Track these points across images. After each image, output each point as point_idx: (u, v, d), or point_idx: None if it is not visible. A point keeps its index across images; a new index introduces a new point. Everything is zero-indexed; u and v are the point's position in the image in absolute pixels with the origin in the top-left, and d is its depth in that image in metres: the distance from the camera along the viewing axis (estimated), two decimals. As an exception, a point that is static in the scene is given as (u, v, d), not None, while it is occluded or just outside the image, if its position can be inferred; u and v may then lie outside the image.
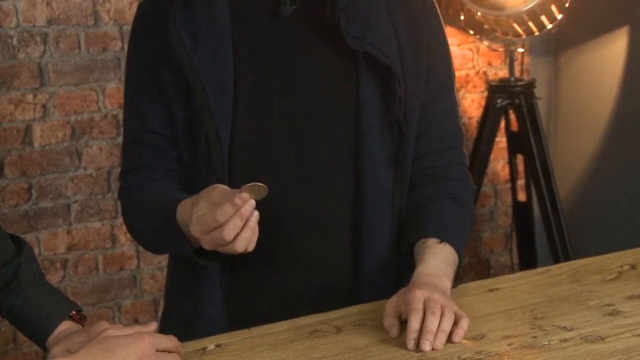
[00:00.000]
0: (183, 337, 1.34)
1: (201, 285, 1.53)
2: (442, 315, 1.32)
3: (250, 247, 1.34)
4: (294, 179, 1.49)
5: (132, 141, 1.57)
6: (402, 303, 1.35)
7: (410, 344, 1.30)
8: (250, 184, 1.32)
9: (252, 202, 1.31)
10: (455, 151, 1.59)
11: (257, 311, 1.51)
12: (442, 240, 1.48)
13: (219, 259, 1.45)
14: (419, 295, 1.34)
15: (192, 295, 1.54)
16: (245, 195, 1.31)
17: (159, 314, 3.13)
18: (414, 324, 1.30)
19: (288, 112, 1.49)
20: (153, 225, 1.51)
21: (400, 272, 1.54)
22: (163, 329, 1.55)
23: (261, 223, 1.34)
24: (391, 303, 1.38)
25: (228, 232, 1.31)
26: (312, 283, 1.53)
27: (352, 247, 1.52)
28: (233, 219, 1.30)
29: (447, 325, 1.31)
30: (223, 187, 1.35)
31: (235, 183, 1.44)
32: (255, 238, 1.34)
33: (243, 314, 1.52)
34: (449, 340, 1.31)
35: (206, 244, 1.35)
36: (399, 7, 1.51)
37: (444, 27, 1.57)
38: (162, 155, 1.54)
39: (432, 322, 1.30)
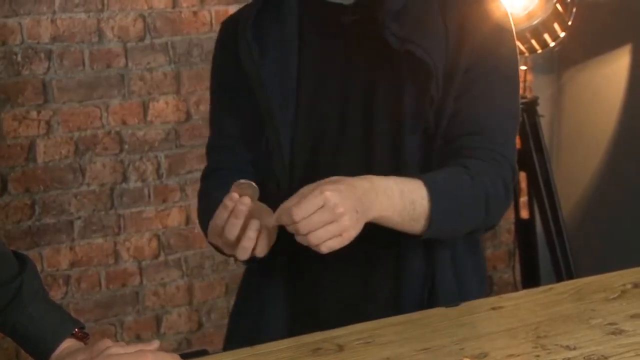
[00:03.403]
0: (249, 336, 1.49)
1: (269, 288, 1.59)
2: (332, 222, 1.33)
3: (259, 253, 1.38)
4: None
5: (212, 147, 1.66)
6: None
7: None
8: (238, 181, 1.38)
9: (247, 200, 1.36)
10: (486, 134, 1.51)
11: (316, 309, 1.58)
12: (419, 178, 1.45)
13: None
14: (321, 192, 1.34)
15: (258, 299, 1.60)
16: (235, 195, 1.36)
17: (161, 330, 3.13)
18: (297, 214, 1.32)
19: (339, 120, 1.54)
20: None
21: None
22: (231, 329, 1.68)
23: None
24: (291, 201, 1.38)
25: (228, 233, 1.37)
26: (359, 285, 1.57)
27: (393, 250, 1.55)
28: (229, 220, 1.37)
29: (324, 233, 1.33)
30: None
31: (294, 190, 1.48)
32: (264, 244, 1.38)
33: (304, 314, 1.58)
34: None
35: (224, 249, 1.43)
36: (455, 7, 1.52)
37: (504, 21, 1.55)
38: (236, 157, 1.60)
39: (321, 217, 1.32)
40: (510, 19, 1.58)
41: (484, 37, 1.53)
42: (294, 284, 1.60)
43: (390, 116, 1.52)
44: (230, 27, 1.63)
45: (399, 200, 1.41)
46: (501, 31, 1.55)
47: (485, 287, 1.66)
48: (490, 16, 1.54)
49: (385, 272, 1.56)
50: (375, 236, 1.47)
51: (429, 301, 1.55)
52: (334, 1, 1.55)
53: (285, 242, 1.46)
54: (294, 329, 1.54)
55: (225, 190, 1.47)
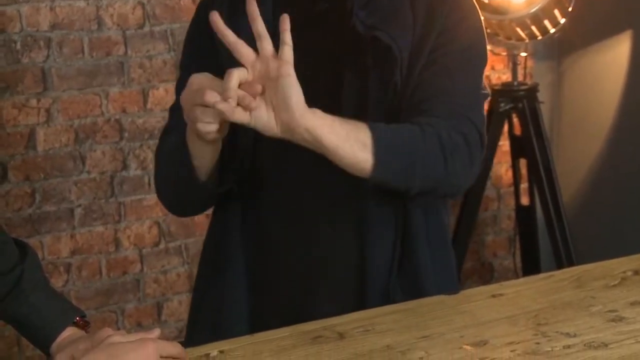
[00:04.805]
0: (211, 327, 1.52)
1: (227, 275, 1.59)
2: None
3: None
4: (307, 169, 1.52)
5: (177, 108, 1.60)
6: None
7: None
8: None
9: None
10: (447, 97, 1.50)
11: (276, 296, 1.57)
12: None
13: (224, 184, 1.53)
14: None
15: (219, 286, 1.60)
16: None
17: (162, 318, 3.14)
18: None
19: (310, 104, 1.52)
20: (172, 167, 1.54)
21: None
22: (192, 320, 1.65)
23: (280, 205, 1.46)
24: None
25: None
26: (322, 269, 1.56)
27: (358, 236, 1.55)
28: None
29: None
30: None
31: (257, 168, 1.55)
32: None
33: (265, 301, 1.58)
34: None
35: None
36: None
37: (471, 10, 1.56)
38: None
39: None
40: (477, 6, 1.59)
41: (450, 22, 1.53)
42: (255, 263, 1.59)
43: (357, 104, 1.52)
44: (206, 9, 1.60)
45: (337, 119, 1.39)
46: (468, 17, 1.56)
47: (456, 282, 1.64)
48: (457, 3, 1.55)
49: (349, 253, 1.56)
50: (339, 215, 1.51)
51: (393, 294, 1.55)
52: None
53: (249, 228, 1.54)
54: (255, 310, 1.57)
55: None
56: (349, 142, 1.38)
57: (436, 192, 1.50)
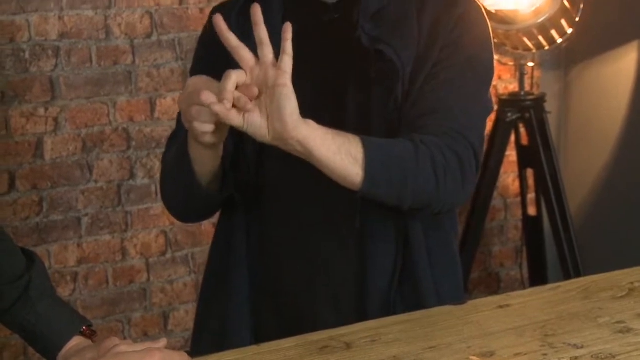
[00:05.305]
0: (216, 336, 1.55)
1: (231, 284, 1.60)
2: None
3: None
4: (310, 180, 1.51)
5: None
6: None
7: None
8: None
9: None
10: (444, 113, 1.49)
11: (279, 306, 1.59)
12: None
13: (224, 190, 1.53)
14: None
15: (223, 295, 1.60)
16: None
17: (169, 327, 3.14)
18: None
19: (311, 117, 1.50)
20: (175, 171, 1.54)
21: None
22: (197, 329, 1.66)
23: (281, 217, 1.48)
24: None
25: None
26: (324, 280, 1.57)
27: (360, 248, 1.55)
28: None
29: None
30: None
31: (262, 175, 1.55)
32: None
33: (269, 310, 1.59)
34: None
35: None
36: (430, 8, 1.53)
37: (478, 23, 1.55)
38: None
39: None
40: (487, 18, 1.57)
41: (454, 34, 1.52)
42: (257, 270, 1.60)
43: (360, 115, 1.52)
44: (216, 12, 1.60)
45: (330, 132, 1.39)
46: (474, 30, 1.54)
47: (462, 296, 1.63)
48: (464, 15, 1.54)
49: (350, 264, 1.56)
50: (341, 226, 1.52)
51: (394, 306, 1.55)
52: None
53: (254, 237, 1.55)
54: (259, 315, 1.59)
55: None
56: (340, 156, 1.38)
57: (430, 208, 1.50)
